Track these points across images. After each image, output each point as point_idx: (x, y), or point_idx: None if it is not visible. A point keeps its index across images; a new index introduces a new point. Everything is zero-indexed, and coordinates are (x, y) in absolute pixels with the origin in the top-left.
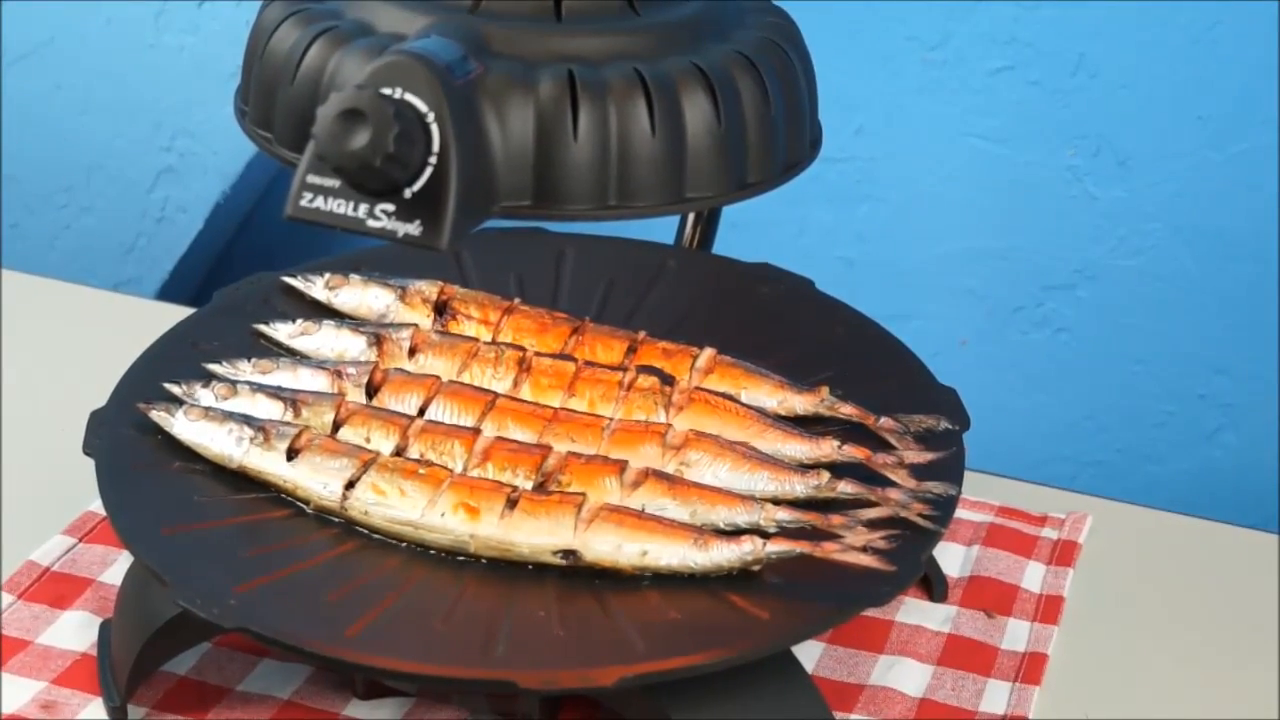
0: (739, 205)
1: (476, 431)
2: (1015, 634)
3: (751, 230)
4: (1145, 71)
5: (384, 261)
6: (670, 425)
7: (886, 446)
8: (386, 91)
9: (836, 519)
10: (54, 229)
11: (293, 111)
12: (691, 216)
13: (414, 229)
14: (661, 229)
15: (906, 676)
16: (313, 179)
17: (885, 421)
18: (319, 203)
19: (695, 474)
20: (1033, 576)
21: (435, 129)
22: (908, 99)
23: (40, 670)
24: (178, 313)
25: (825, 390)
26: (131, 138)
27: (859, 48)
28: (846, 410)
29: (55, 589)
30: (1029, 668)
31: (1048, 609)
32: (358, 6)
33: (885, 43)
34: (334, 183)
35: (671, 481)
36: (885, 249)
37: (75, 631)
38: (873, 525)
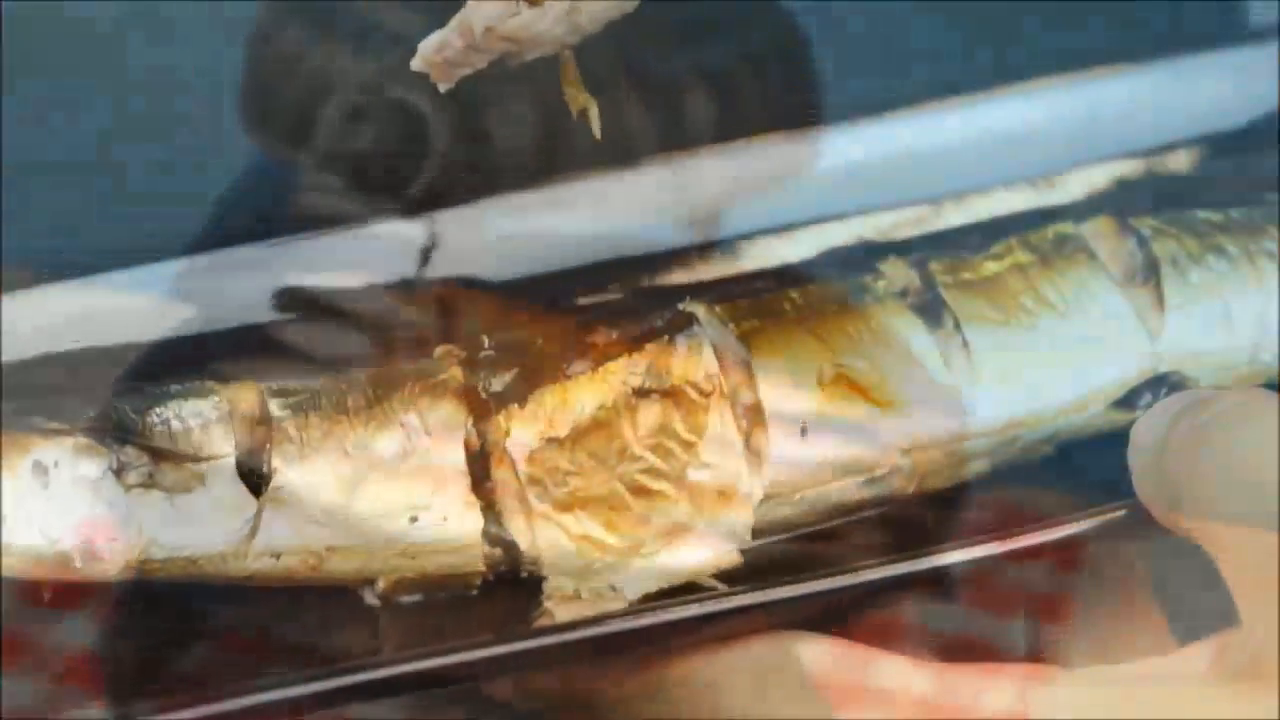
0: None
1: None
2: (1018, 634)
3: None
4: None
5: (386, 261)
6: None
7: None
8: (388, 90)
9: (838, 518)
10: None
11: (294, 111)
12: None
13: (416, 228)
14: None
15: (908, 676)
16: (315, 178)
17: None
18: (321, 202)
19: None
20: (1036, 576)
21: (437, 128)
22: None
23: (40, 670)
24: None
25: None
26: (132, 135)
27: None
28: None
29: (56, 587)
30: (1032, 667)
31: (1052, 609)
32: (358, 5)
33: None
34: (336, 182)
35: None
36: None
37: (76, 631)
38: (874, 525)
